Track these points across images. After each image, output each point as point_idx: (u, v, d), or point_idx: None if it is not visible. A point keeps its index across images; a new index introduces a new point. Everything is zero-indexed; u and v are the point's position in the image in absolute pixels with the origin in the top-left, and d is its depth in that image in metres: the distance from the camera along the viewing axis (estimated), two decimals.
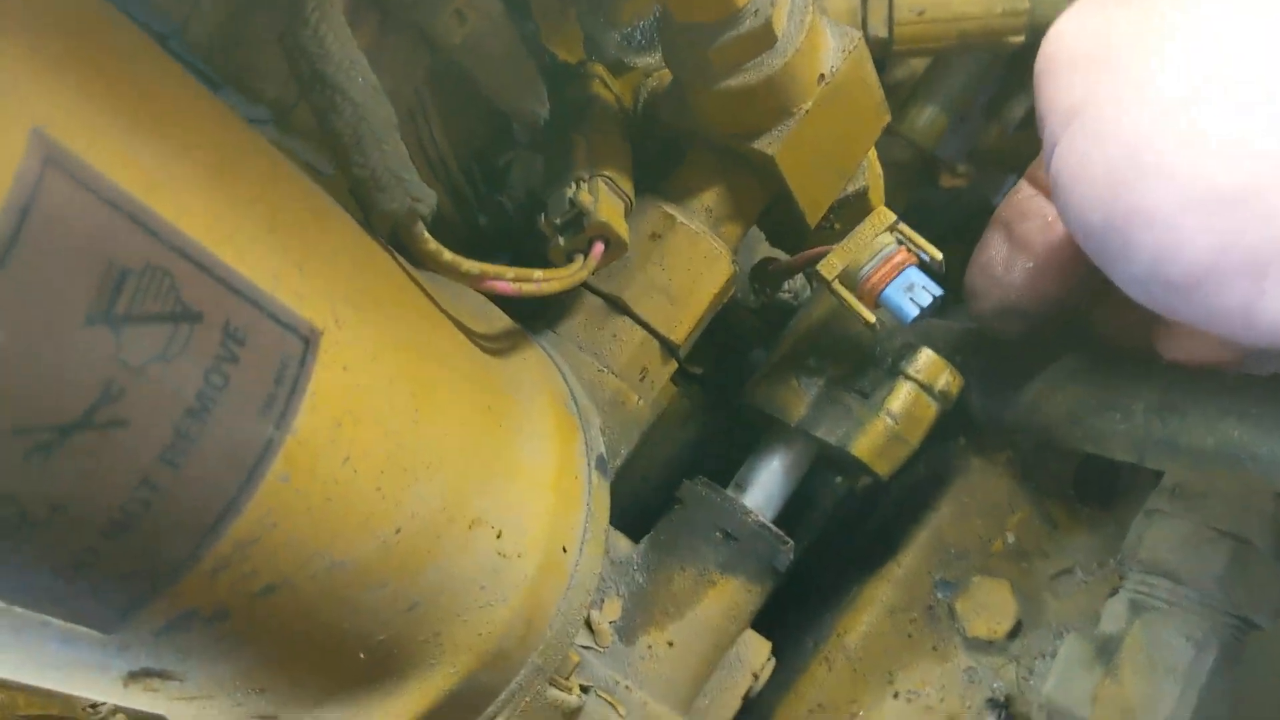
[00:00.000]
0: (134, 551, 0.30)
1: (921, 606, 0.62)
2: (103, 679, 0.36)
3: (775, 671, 0.59)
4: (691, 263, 0.54)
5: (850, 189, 0.59)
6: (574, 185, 0.50)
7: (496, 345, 0.49)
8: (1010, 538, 0.63)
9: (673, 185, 0.56)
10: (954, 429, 0.63)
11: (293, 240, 0.35)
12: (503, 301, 0.53)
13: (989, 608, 0.61)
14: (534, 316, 0.55)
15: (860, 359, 0.59)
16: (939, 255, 0.53)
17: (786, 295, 0.69)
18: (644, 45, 0.59)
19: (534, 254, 0.53)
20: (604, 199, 0.50)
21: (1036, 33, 0.64)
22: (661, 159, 0.58)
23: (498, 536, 0.43)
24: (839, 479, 0.72)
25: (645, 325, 0.54)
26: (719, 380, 0.68)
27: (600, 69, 0.58)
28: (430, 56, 0.49)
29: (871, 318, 0.53)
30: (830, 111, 0.52)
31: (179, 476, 0.30)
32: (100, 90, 0.28)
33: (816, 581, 0.67)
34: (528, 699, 0.47)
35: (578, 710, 0.51)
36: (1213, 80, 0.38)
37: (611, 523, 0.53)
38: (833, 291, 0.54)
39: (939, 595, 0.62)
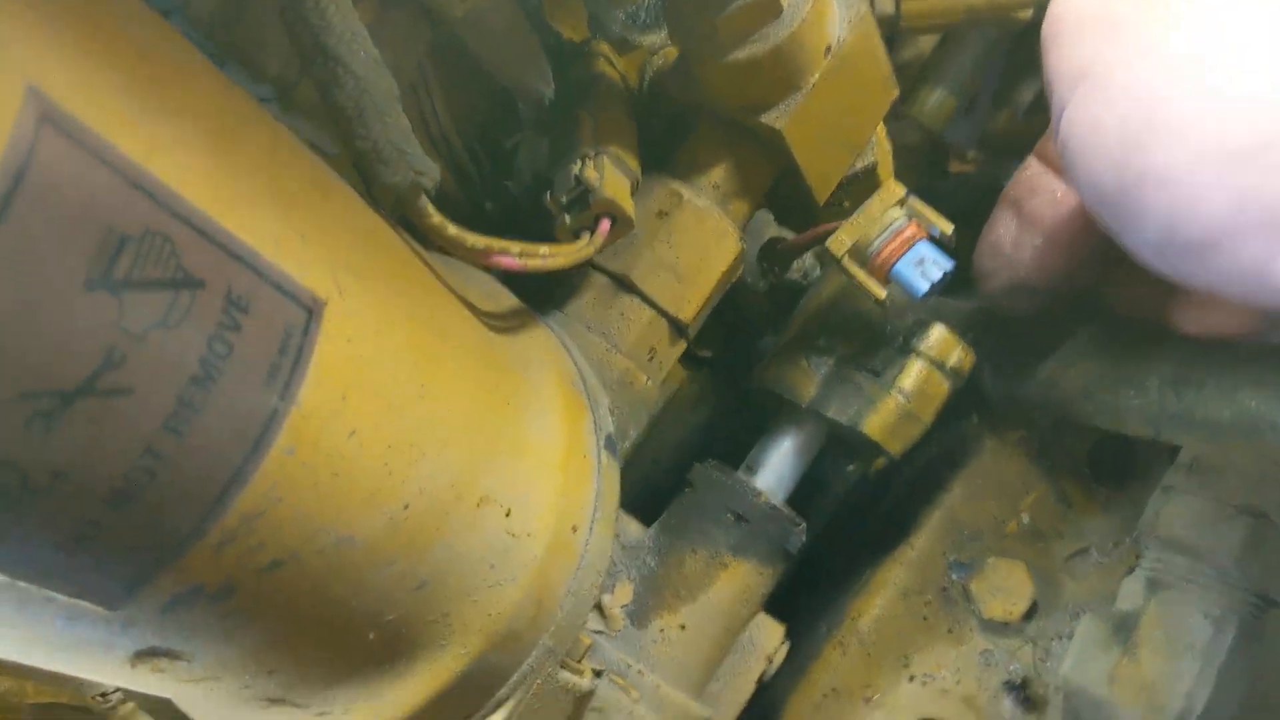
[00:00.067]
0: (138, 523, 0.30)
1: (936, 588, 0.61)
2: (109, 659, 0.35)
3: (788, 657, 0.58)
4: (699, 240, 0.54)
5: (859, 165, 0.58)
6: (579, 162, 0.50)
7: (503, 324, 0.49)
8: (1025, 518, 0.62)
9: (680, 162, 0.55)
10: (967, 408, 0.63)
11: (295, 209, 0.34)
12: (510, 283, 0.53)
13: (1004, 589, 0.60)
14: (542, 297, 0.54)
15: (871, 337, 0.58)
16: (950, 228, 0.52)
17: (796, 275, 0.69)
18: (648, 23, 0.59)
19: (541, 240, 0.52)
20: (610, 175, 0.49)
21: (1044, 8, 0.63)
22: (667, 139, 0.57)
23: (506, 515, 0.43)
24: (851, 467, 0.71)
25: (653, 304, 0.53)
26: (728, 362, 0.67)
27: (605, 47, 0.58)
28: (432, 31, 0.48)
29: (882, 293, 0.52)
30: (838, 84, 0.51)
31: (183, 446, 0.29)
32: (98, 49, 0.27)
33: (828, 566, 0.66)
34: (539, 681, 0.47)
35: (590, 694, 0.50)
36: (1223, 36, 0.38)
37: (622, 507, 0.53)
38: (842, 268, 0.53)
39: (953, 577, 0.61)
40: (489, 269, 0.49)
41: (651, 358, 0.54)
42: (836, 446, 0.62)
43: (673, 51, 0.57)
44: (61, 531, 0.28)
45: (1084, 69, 0.42)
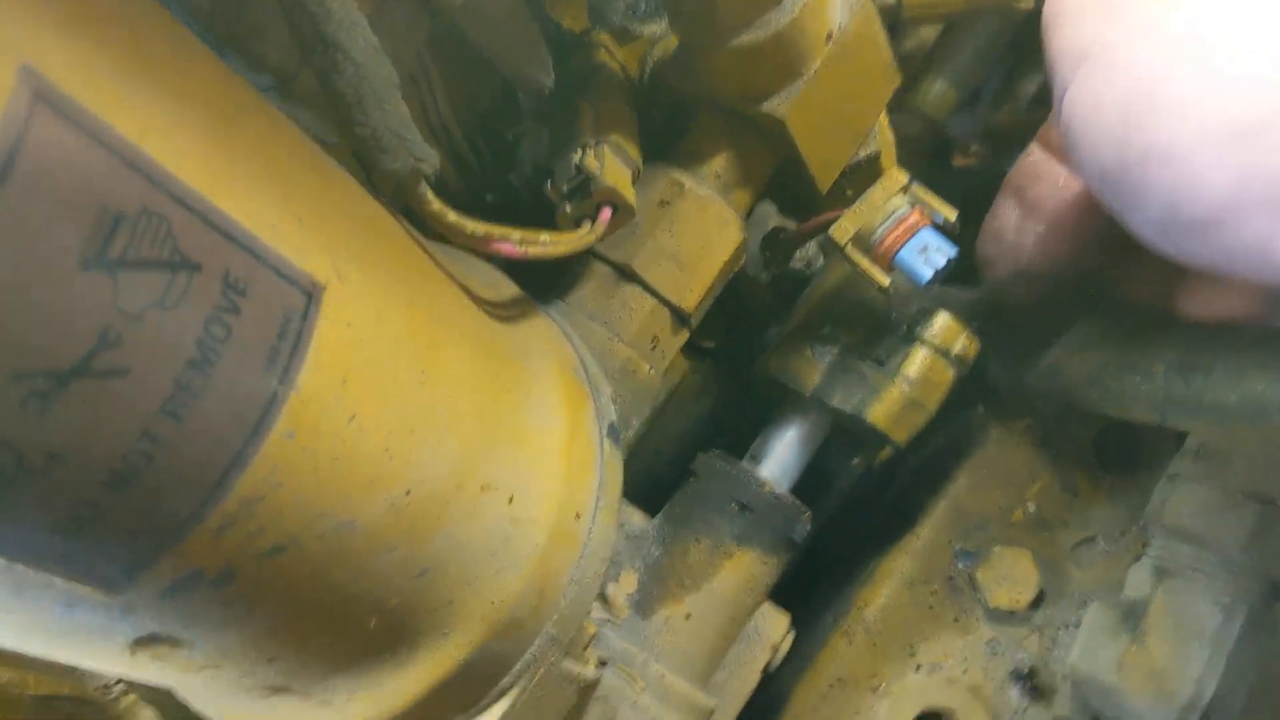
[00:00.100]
0: (137, 506, 0.30)
1: (942, 578, 0.61)
2: (108, 646, 0.35)
3: (794, 648, 0.58)
4: (701, 229, 0.53)
5: (862, 154, 0.58)
6: (580, 151, 0.50)
7: (504, 312, 0.48)
8: (1031, 507, 0.62)
9: (681, 152, 0.55)
10: (972, 397, 0.62)
11: (293, 195, 0.34)
12: (512, 273, 0.53)
13: (1011, 578, 0.60)
14: (543, 287, 0.54)
15: (875, 325, 0.58)
16: (953, 214, 0.52)
17: (799, 264, 0.69)
18: (649, 13, 0.59)
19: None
20: (610, 164, 0.49)
21: None
22: (668, 129, 0.57)
23: (508, 502, 0.43)
24: (856, 460, 0.71)
25: (655, 293, 0.53)
26: (731, 352, 0.67)
27: (605, 38, 0.58)
28: (431, 21, 0.48)
29: (885, 281, 0.52)
30: (839, 71, 0.51)
31: (181, 429, 0.29)
32: (94, 30, 0.27)
33: (834, 557, 0.66)
34: (543, 670, 0.46)
35: (594, 683, 0.50)
36: (1223, 15, 0.38)
37: (626, 498, 0.53)
38: (845, 256, 0.53)
39: (959, 566, 0.61)
40: (490, 258, 0.49)
41: (654, 347, 0.54)
42: (841, 437, 0.62)
43: (673, 41, 0.57)
44: (59, 513, 0.28)
45: (1085, 49, 0.42)
